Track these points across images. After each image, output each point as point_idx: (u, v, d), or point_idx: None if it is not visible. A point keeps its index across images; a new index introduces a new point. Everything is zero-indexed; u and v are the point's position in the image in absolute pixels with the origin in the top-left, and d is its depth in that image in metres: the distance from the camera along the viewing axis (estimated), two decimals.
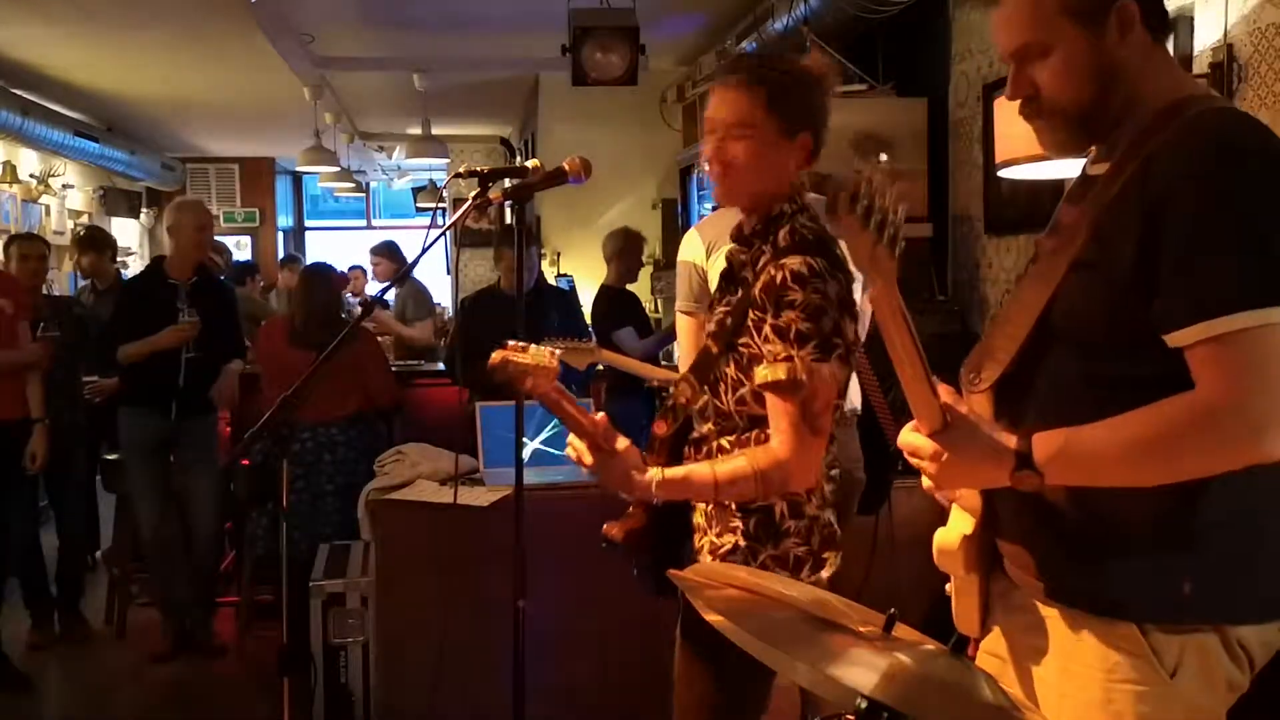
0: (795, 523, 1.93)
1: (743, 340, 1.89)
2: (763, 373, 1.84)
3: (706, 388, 1.96)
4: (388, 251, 7.20)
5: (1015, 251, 3.87)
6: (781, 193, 1.91)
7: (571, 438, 1.86)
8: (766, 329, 1.83)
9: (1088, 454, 1.33)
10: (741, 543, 1.93)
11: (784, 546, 1.92)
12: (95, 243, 5.93)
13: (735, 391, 1.92)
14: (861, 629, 1.37)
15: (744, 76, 1.88)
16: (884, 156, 3.74)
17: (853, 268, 1.70)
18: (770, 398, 1.85)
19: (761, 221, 1.93)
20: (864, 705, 1.22)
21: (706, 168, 1.95)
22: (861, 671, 1.23)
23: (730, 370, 1.92)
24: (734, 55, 1.99)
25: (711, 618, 1.40)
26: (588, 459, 1.82)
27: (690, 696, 1.99)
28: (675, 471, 1.88)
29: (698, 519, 2.01)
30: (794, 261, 1.82)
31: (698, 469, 1.88)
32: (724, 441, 1.94)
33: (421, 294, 6.72)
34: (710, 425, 1.96)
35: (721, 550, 1.94)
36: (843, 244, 1.61)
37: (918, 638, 1.39)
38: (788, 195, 1.92)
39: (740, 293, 1.93)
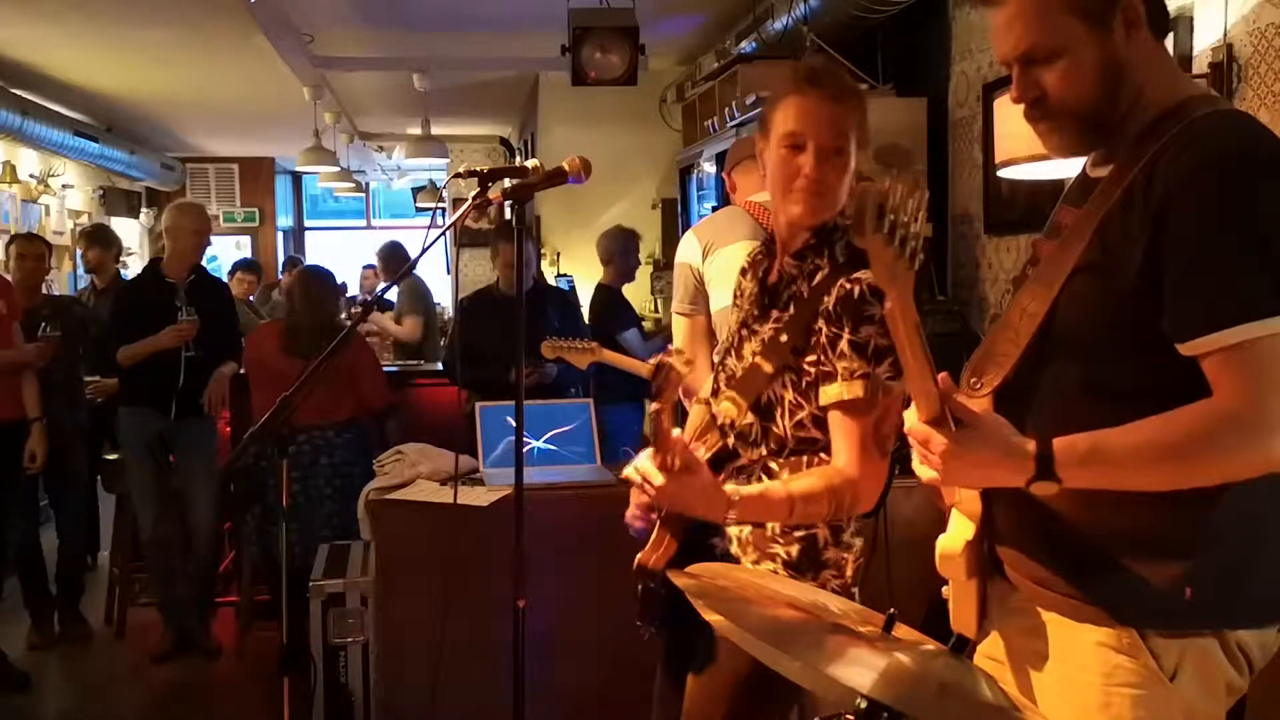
0: (835, 551, 1.88)
1: (809, 359, 1.82)
2: (836, 390, 1.78)
3: (755, 411, 1.88)
4: (383, 258, 7.16)
5: (1015, 251, 3.87)
6: (837, 212, 1.89)
7: (637, 461, 1.77)
8: (843, 344, 1.78)
9: (1109, 460, 1.32)
10: (782, 572, 1.86)
11: (822, 578, 1.87)
12: (103, 238, 5.94)
13: (793, 416, 1.84)
14: (861, 629, 1.37)
15: (841, 92, 1.82)
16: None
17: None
18: (839, 416, 1.79)
19: (815, 235, 1.87)
20: (864, 705, 1.22)
21: (782, 187, 1.85)
22: (861, 671, 1.23)
23: (788, 393, 1.84)
24: (811, 61, 1.89)
25: (711, 618, 1.40)
26: (658, 479, 1.71)
27: (719, 676, 1.91)
28: (751, 490, 1.79)
29: (731, 547, 1.93)
30: (869, 276, 1.75)
31: (772, 487, 1.80)
32: (773, 464, 1.87)
33: (417, 288, 6.70)
34: (761, 450, 1.88)
35: None
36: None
37: (917, 638, 1.39)
38: (842, 211, 1.89)
39: (794, 309, 1.86)
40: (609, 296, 5.37)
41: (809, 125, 1.80)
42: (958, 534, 1.50)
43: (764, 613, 1.42)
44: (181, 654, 4.48)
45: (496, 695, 2.31)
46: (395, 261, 6.94)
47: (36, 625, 4.73)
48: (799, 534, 1.87)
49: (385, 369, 5.04)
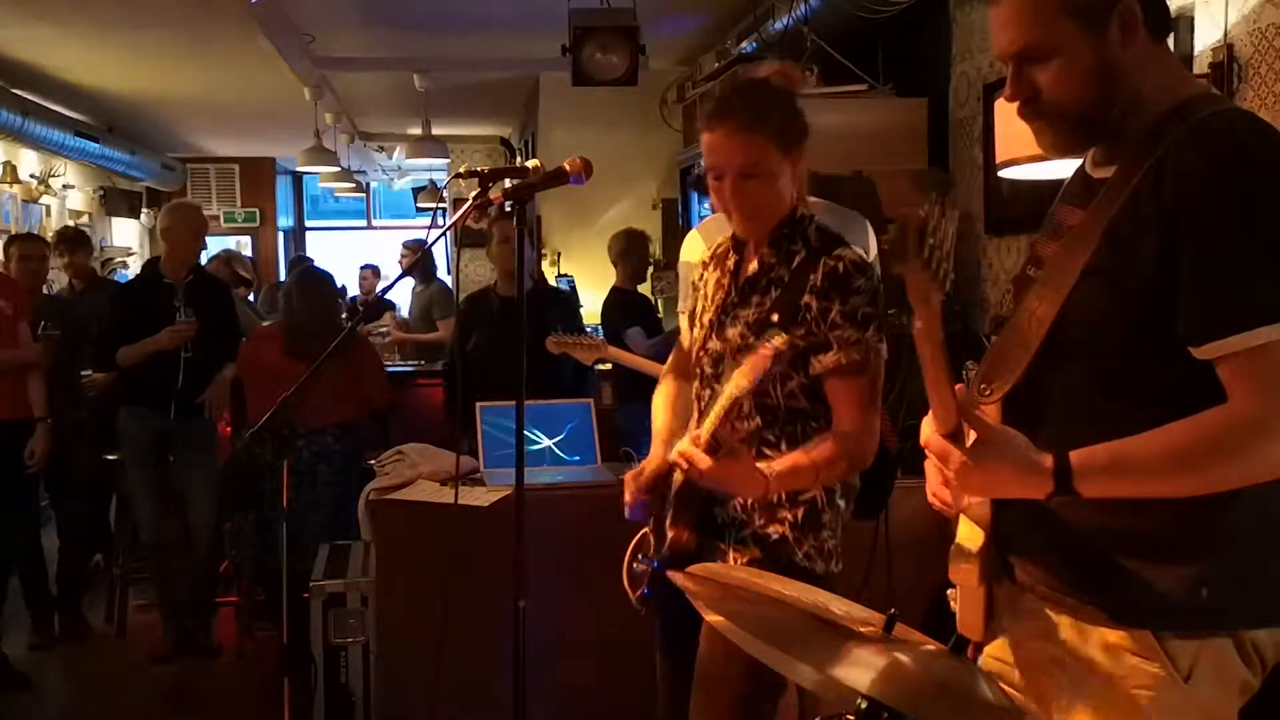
0: (830, 513, 2.03)
1: (798, 333, 1.94)
2: (834, 357, 1.93)
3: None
4: (419, 247, 7.70)
5: (1016, 251, 3.87)
6: (794, 202, 2.02)
7: (681, 444, 1.88)
8: (834, 315, 1.93)
9: (1128, 471, 1.32)
10: (789, 534, 2.00)
11: (821, 538, 2.02)
12: (77, 241, 5.86)
13: (785, 385, 1.98)
14: (861, 629, 1.38)
15: (740, 119, 1.94)
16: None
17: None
18: (836, 381, 1.95)
19: (788, 226, 2.02)
20: (864, 705, 1.23)
21: (723, 208, 2.00)
22: (861, 671, 1.23)
23: (779, 366, 1.95)
24: (717, 95, 2.05)
25: (712, 618, 1.40)
26: (704, 461, 1.82)
27: (729, 669, 1.97)
28: (781, 463, 1.94)
29: (734, 513, 2.03)
30: (848, 253, 1.96)
31: (796, 457, 1.94)
32: (769, 435, 2.00)
33: (446, 292, 7.04)
34: (756, 421, 2.01)
35: (771, 539, 2.00)
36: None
37: (918, 638, 1.39)
38: (800, 199, 2.03)
39: (777, 291, 1.99)
40: (619, 299, 5.38)
41: (720, 158, 1.96)
42: (967, 540, 1.49)
43: (764, 613, 1.43)
44: (181, 654, 4.47)
45: (496, 695, 2.31)
46: (423, 257, 7.06)
47: (37, 626, 4.72)
48: (802, 499, 2.01)
49: (388, 369, 5.03)
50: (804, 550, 1.99)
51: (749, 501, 2.01)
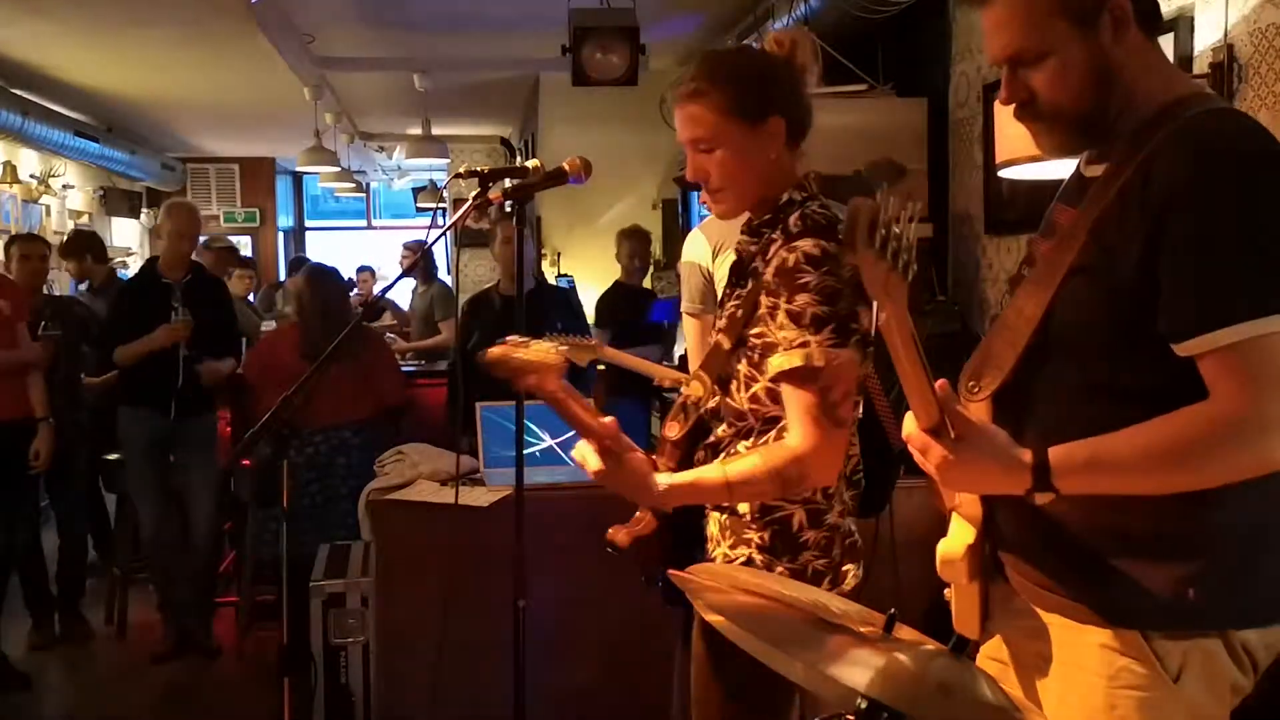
0: (814, 533, 1.85)
1: (755, 331, 1.79)
2: (778, 362, 1.73)
3: (718, 386, 1.88)
4: (419, 247, 7.67)
5: (1015, 251, 3.87)
6: (780, 182, 1.85)
7: (579, 443, 1.75)
8: (781, 315, 1.74)
9: (1106, 468, 1.32)
10: (757, 557, 1.85)
11: (801, 560, 1.84)
12: (76, 246, 5.90)
13: (748, 388, 1.83)
14: (861, 629, 1.37)
15: (687, 89, 1.82)
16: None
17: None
18: (786, 389, 1.74)
19: (770, 211, 1.85)
20: (864, 705, 1.23)
21: (699, 193, 1.93)
22: (861, 671, 1.23)
23: (742, 366, 1.83)
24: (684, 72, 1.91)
25: (711, 618, 1.40)
26: (594, 463, 1.69)
27: (711, 697, 1.92)
28: (683, 476, 1.77)
29: (711, 529, 1.93)
30: (807, 244, 1.74)
31: (706, 471, 1.78)
32: (740, 446, 1.86)
33: (447, 293, 6.99)
34: (725, 427, 1.88)
35: (735, 563, 1.86)
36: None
37: (918, 638, 1.39)
38: (791, 183, 1.85)
39: (750, 284, 1.84)
40: (615, 291, 5.44)
41: (680, 130, 1.86)
42: (958, 538, 1.49)
43: (764, 613, 1.42)
44: (181, 654, 4.47)
45: (496, 695, 2.32)
46: (424, 258, 7.05)
47: (37, 626, 4.73)
48: (771, 518, 1.84)
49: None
50: (776, 574, 1.81)
51: (722, 519, 1.89)
